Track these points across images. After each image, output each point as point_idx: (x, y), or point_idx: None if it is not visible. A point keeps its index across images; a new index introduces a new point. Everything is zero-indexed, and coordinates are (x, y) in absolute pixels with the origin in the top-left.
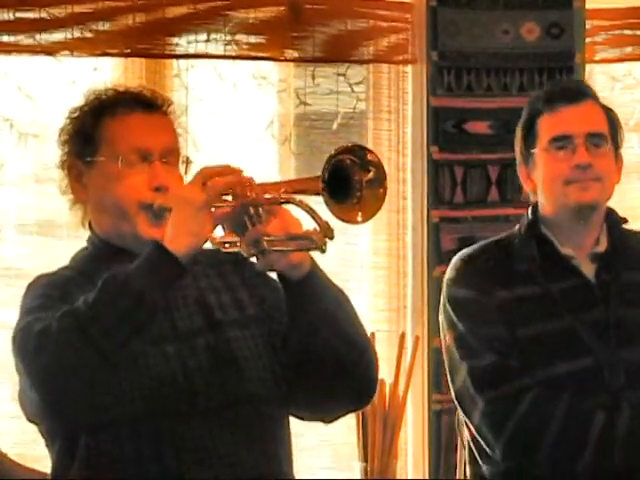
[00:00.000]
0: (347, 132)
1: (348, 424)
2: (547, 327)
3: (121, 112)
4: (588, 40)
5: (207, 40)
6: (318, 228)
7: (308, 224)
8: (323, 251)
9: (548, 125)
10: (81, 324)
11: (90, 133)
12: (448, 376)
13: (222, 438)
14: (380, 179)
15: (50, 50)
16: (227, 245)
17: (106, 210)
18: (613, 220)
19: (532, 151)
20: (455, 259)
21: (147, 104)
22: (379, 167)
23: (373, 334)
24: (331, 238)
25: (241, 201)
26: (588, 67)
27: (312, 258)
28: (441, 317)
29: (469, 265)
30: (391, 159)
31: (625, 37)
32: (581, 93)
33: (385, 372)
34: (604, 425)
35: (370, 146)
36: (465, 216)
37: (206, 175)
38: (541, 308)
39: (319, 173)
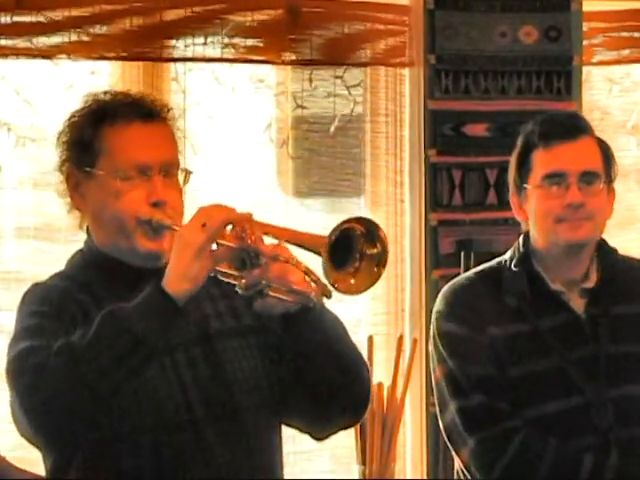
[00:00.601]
0: (344, 135)
1: None
2: (537, 366)
3: (120, 122)
4: (586, 43)
5: (204, 43)
6: (316, 287)
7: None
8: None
9: (542, 161)
10: (77, 363)
11: (89, 142)
12: (437, 408)
13: (220, 448)
14: (382, 258)
15: (47, 53)
16: (222, 275)
17: (104, 223)
18: (604, 252)
19: (525, 185)
20: (445, 290)
21: (147, 112)
22: (385, 247)
23: (371, 337)
24: (329, 297)
25: (240, 244)
26: (586, 70)
27: None
28: (431, 348)
29: (459, 298)
30: (388, 162)
31: (623, 39)
32: (577, 129)
33: (383, 375)
34: (593, 467)
35: (368, 149)
36: (463, 219)
37: (203, 215)
38: (531, 347)
39: (324, 233)
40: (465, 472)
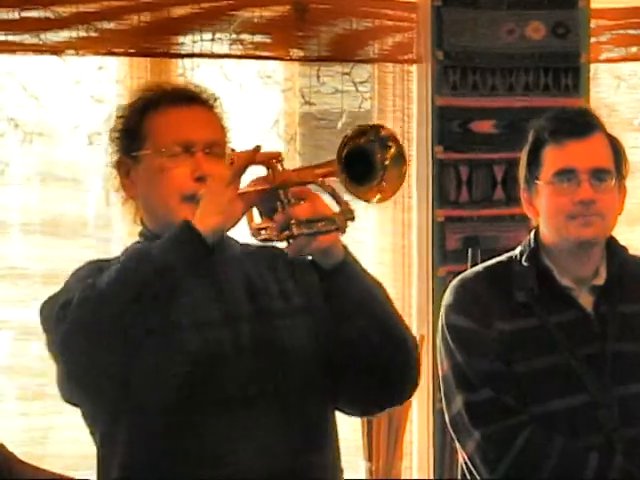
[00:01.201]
0: None
1: (353, 423)
2: (544, 362)
3: (164, 106)
4: (593, 40)
5: (212, 39)
6: (339, 209)
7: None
8: (343, 232)
9: (553, 158)
10: (101, 292)
11: (135, 129)
12: (443, 401)
13: (265, 426)
14: (401, 155)
15: (55, 49)
16: (262, 232)
17: (152, 203)
18: (613, 249)
19: (535, 182)
20: (454, 284)
21: (190, 97)
22: (397, 143)
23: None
24: (352, 219)
25: (270, 180)
26: (593, 67)
27: (346, 248)
28: (438, 341)
29: (468, 292)
30: None
31: (630, 37)
32: (588, 125)
33: None
34: (598, 465)
35: None
36: (470, 215)
37: (232, 155)
38: (538, 342)
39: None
40: (469, 466)
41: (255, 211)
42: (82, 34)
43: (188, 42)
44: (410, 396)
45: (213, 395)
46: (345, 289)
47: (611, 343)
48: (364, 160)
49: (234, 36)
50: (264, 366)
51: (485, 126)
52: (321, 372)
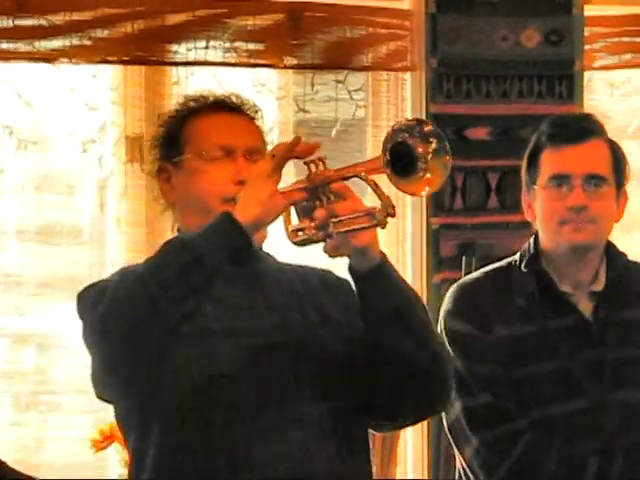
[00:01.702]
0: (346, 139)
1: None
2: (543, 367)
3: (206, 112)
4: (587, 47)
5: (206, 47)
6: (380, 204)
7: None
8: (383, 226)
9: (549, 162)
10: (139, 276)
11: (176, 135)
12: None
13: (290, 434)
14: (443, 147)
15: (49, 57)
16: (300, 233)
17: (192, 208)
18: (612, 255)
19: (533, 186)
20: (454, 289)
21: (232, 106)
22: (439, 136)
23: None
24: (393, 215)
25: (311, 178)
26: (587, 74)
27: (383, 253)
28: None
29: (468, 297)
30: None
31: (624, 44)
32: (586, 131)
33: None
34: (598, 470)
35: (369, 153)
36: (465, 223)
37: (273, 149)
38: (538, 348)
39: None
40: (467, 472)
41: (293, 216)
42: (76, 42)
43: (182, 50)
44: (443, 408)
45: (245, 400)
46: (381, 293)
47: (610, 349)
48: (406, 155)
49: (228, 44)
50: (298, 374)
51: (479, 133)
52: (356, 382)
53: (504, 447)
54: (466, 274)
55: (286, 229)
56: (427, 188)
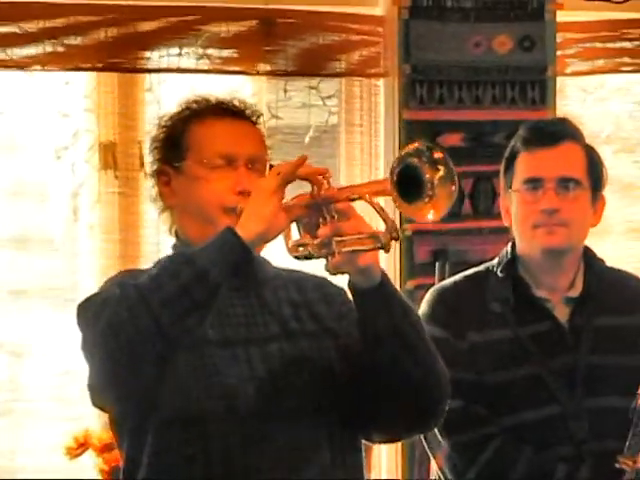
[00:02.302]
0: (319, 145)
1: None
2: (515, 374)
3: (209, 117)
4: (560, 53)
5: (179, 54)
6: (384, 227)
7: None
8: (387, 250)
9: (523, 166)
10: (141, 292)
11: (179, 138)
12: None
13: (287, 444)
14: (450, 175)
15: (22, 64)
16: (300, 249)
17: (192, 214)
18: (589, 261)
19: (509, 190)
20: (429, 293)
21: (235, 111)
22: (447, 163)
23: None
24: (397, 239)
25: (315, 196)
26: (560, 80)
27: (384, 273)
28: None
29: (444, 302)
30: (363, 172)
31: (596, 50)
32: (559, 135)
33: None
34: (566, 477)
35: (342, 160)
36: (438, 229)
37: (279, 166)
38: (511, 353)
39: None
40: (441, 476)
41: (293, 229)
42: (49, 49)
43: (155, 57)
44: (437, 424)
45: (242, 409)
46: (380, 312)
47: (584, 355)
48: (412, 179)
49: (201, 51)
50: (295, 383)
51: (452, 139)
52: (351, 393)
53: (474, 451)
54: (440, 280)
55: (286, 243)
56: (431, 214)
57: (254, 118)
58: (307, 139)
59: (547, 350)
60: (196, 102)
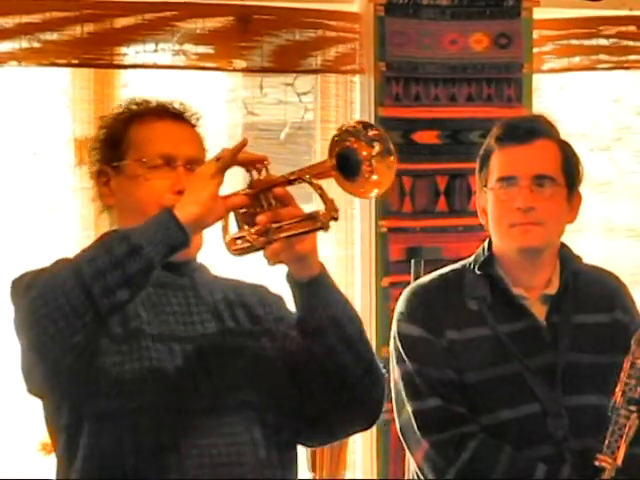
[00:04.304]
0: (295, 142)
1: None
2: (494, 372)
3: (150, 119)
4: (536, 50)
5: (155, 50)
6: (324, 207)
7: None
8: (327, 230)
9: (497, 164)
10: (73, 264)
11: (118, 139)
12: (394, 408)
13: (222, 439)
14: (387, 148)
15: None
16: (238, 242)
17: (130, 213)
18: (566, 258)
19: (484, 189)
20: (407, 291)
21: (176, 114)
22: (383, 138)
23: None
24: (336, 219)
25: (255, 182)
26: (536, 77)
27: (322, 264)
28: (391, 348)
29: (421, 300)
30: None
31: (573, 47)
32: (533, 132)
33: None
34: (546, 476)
35: (318, 156)
36: (413, 226)
37: (219, 152)
38: (490, 352)
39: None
40: (419, 475)
41: (232, 227)
42: (25, 45)
43: (131, 53)
44: (374, 422)
45: (176, 403)
46: (319, 303)
47: (562, 353)
48: (351, 158)
49: (177, 47)
50: (231, 381)
51: (428, 137)
52: (288, 390)
53: (453, 450)
54: (415, 278)
55: (224, 238)
56: (376, 190)
57: (194, 120)
58: (283, 135)
59: (525, 348)
60: (137, 104)
